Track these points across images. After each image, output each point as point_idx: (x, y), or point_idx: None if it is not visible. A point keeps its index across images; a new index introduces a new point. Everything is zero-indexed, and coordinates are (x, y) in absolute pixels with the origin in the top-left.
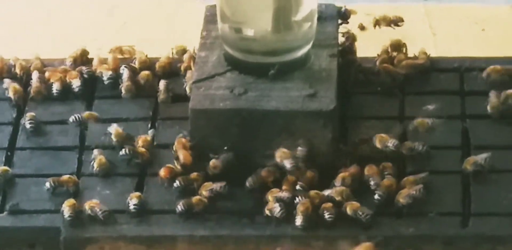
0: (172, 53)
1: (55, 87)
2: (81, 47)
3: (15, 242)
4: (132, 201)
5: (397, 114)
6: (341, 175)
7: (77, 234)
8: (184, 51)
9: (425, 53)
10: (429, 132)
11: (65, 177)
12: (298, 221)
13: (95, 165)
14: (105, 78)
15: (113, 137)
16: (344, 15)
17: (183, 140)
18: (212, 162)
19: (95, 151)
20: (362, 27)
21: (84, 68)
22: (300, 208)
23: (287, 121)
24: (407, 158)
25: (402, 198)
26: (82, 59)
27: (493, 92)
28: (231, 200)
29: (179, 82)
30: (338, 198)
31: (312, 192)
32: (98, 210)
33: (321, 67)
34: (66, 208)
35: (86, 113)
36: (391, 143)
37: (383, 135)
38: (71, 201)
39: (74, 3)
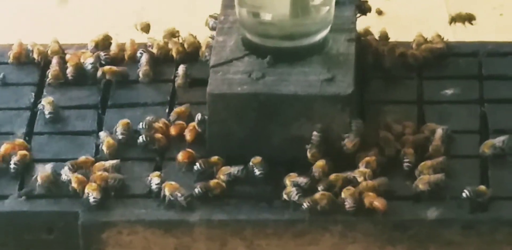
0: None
1: (69, 71)
2: (104, 32)
3: (33, 227)
4: (154, 180)
5: (415, 98)
6: (366, 159)
7: (95, 218)
8: (172, 34)
9: (439, 36)
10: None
11: (82, 158)
12: (348, 203)
13: (104, 148)
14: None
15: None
16: (362, 9)
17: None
18: None
19: (102, 134)
20: (379, 12)
21: (102, 53)
22: (346, 192)
23: (305, 105)
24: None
25: (422, 184)
26: (104, 43)
27: None
28: (249, 184)
29: (197, 67)
30: (360, 179)
31: (332, 176)
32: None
33: (339, 51)
34: (92, 192)
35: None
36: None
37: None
38: (94, 184)
39: None
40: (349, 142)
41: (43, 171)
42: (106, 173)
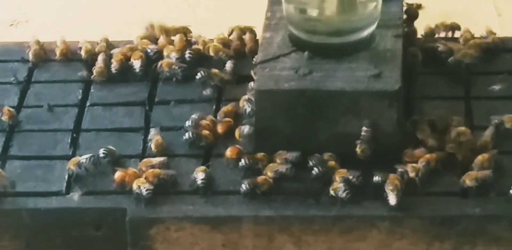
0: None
1: (114, 66)
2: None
3: (80, 223)
4: (199, 175)
5: (463, 94)
6: (427, 156)
7: (143, 215)
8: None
9: (493, 33)
10: None
11: None
12: (392, 200)
13: (152, 146)
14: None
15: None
16: (410, 14)
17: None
18: None
19: (152, 131)
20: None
21: (150, 48)
22: (389, 187)
23: (352, 101)
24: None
25: (469, 180)
26: (150, 40)
27: None
28: (296, 181)
29: (243, 64)
30: (412, 174)
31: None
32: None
33: (386, 47)
34: (142, 186)
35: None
36: None
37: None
38: (141, 179)
39: None
40: (358, 148)
41: None
42: (158, 170)
